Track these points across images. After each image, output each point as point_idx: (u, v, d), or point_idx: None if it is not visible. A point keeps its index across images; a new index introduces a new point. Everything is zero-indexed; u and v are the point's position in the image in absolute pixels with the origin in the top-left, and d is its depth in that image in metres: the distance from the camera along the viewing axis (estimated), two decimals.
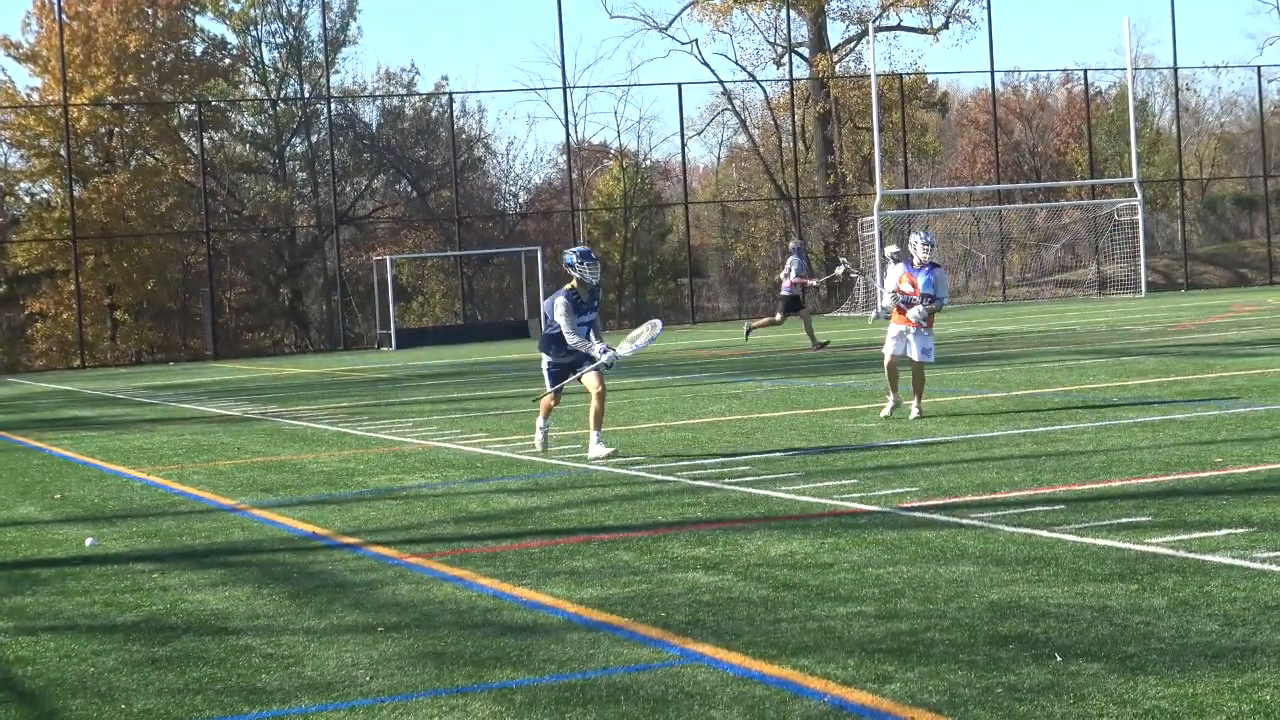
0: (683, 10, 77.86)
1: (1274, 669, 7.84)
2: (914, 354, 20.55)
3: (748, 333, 39.76)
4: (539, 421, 19.12)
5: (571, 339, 17.78)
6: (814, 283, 39.98)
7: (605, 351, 17.82)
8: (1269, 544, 10.83)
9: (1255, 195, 78.02)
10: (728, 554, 11.72)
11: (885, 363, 20.69)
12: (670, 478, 16.09)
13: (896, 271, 21.19)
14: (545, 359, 18.51)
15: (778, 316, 38.97)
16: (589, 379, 18.12)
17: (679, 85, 69.65)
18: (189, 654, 9.52)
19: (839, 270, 42.85)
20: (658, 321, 18.97)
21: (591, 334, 18.04)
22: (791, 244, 40.56)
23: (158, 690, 8.74)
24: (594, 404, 18.04)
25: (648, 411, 23.66)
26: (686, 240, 71.54)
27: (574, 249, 18.08)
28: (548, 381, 18.57)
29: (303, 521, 14.62)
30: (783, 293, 38.39)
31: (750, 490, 14.87)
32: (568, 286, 17.94)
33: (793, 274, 37.96)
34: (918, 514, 13.01)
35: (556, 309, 17.84)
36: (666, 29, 78.37)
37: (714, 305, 76.27)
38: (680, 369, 34.25)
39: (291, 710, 8.23)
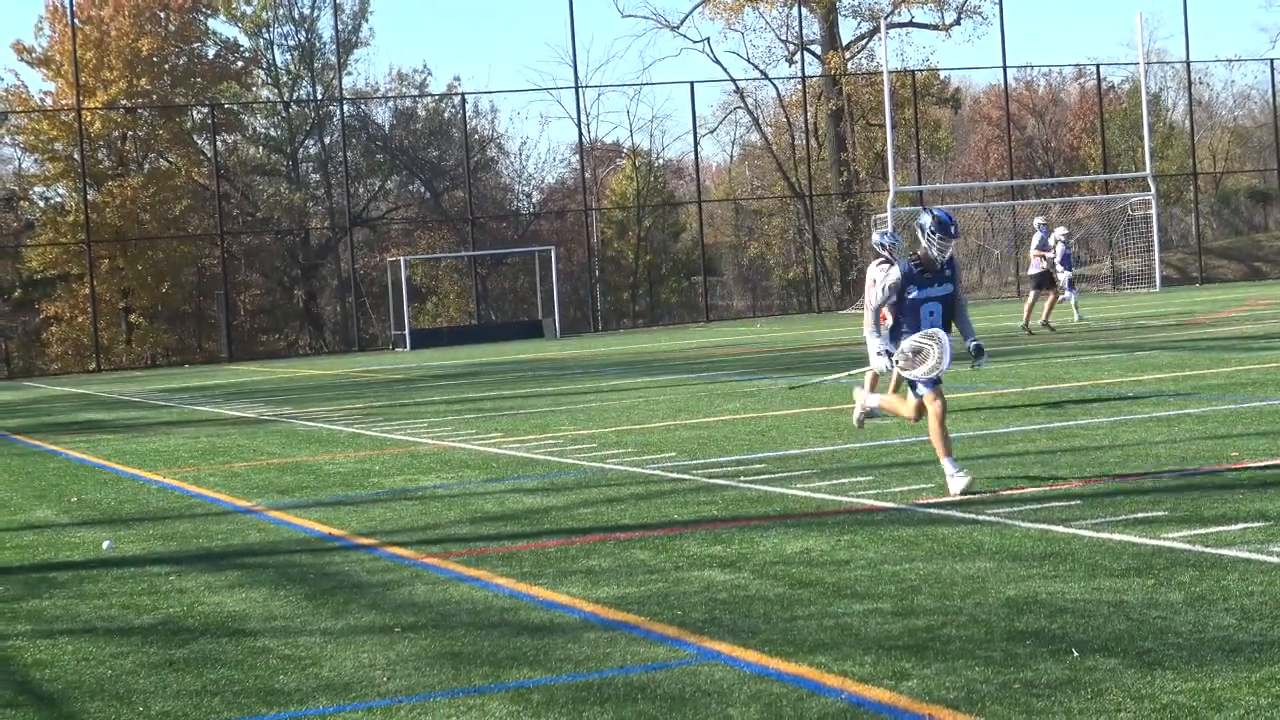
0: (694, 9, 77.88)
1: None
2: None
3: (1045, 325, 37.62)
4: (861, 395, 15.80)
5: (868, 320, 14.71)
6: (1052, 255, 39.91)
7: (881, 354, 14.43)
8: None
9: (1269, 189, 77.92)
10: (744, 552, 11.72)
11: (873, 375, 20.41)
12: (686, 476, 16.09)
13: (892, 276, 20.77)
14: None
15: (1031, 296, 38.52)
16: (921, 388, 14.25)
17: (691, 84, 69.70)
18: (206, 656, 9.54)
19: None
20: (939, 333, 14.31)
21: (932, 317, 14.33)
22: (1037, 220, 40.35)
23: (175, 692, 8.75)
24: (930, 422, 14.14)
25: (663, 410, 23.67)
26: (700, 238, 71.54)
27: (934, 210, 14.43)
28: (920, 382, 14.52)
29: (319, 523, 14.63)
30: (1031, 270, 38.21)
31: (766, 488, 14.87)
32: (912, 255, 14.62)
33: (1034, 249, 37.78)
34: (934, 510, 13.00)
35: (879, 282, 14.67)
36: (678, 28, 78.43)
37: (728, 303, 76.27)
38: (695, 367, 34.25)
39: (309, 711, 8.23)
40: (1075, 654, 8.25)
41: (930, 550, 11.28)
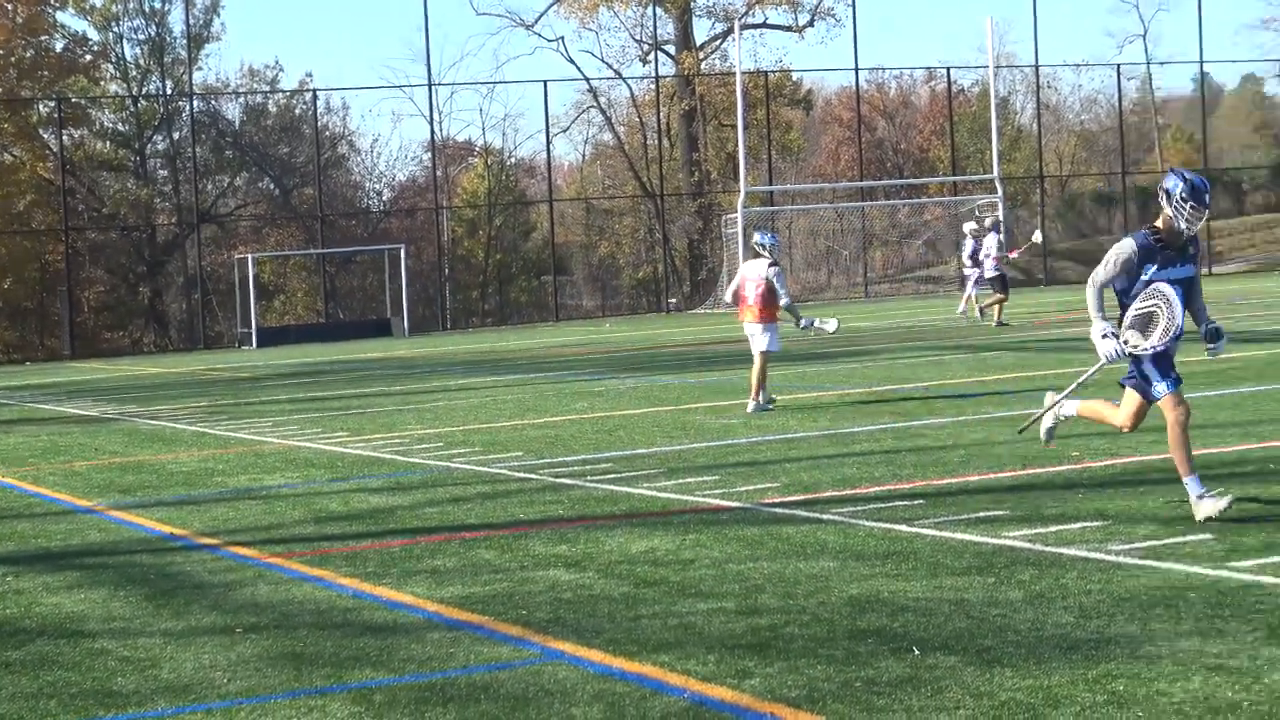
0: (549, 8, 77.79)
1: (1127, 660, 7.93)
2: (769, 346, 21.31)
3: (982, 313, 39.18)
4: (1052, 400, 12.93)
5: (1088, 296, 11.95)
6: (1014, 255, 40.12)
7: (1108, 336, 11.82)
8: (1123, 536, 10.96)
9: (1113, 192, 78.94)
10: (589, 551, 11.71)
11: (764, 364, 21.31)
12: (533, 476, 16.06)
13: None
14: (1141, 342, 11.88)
15: (999, 295, 38.76)
16: (1158, 389, 11.83)
17: (545, 83, 69.57)
18: (43, 658, 9.39)
19: (1035, 237, 43.15)
20: (1161, 287, 11.75)
21: (1175, 307, 11.68)
22: (988, 221, 40.67)
23: (10, 695, 8.61)
24: (1171, 432, 11.69)
25: (510, 409, 23.62)
26: (551, 238, 71.46)
27: (1184, 172, 11.92)
28: (1151, 373, 11.84)
29: (161, 522, 14.46)
30: (990, 273, 38.52)
31: (612, 487, 14.87)
32: (1149, 225, 12.01)
33: (994, 251, 38.08)
34: (779, 510, 13.06)
35: (1109, 254, 11.97)
36: (533, 26, 78.30)
37: (577, 303, 76.20)
38: (543, 367, 34.22)
39: (147, 714, 8.13)
40: (916, 652, 8.31)
41: (774, 549, 11.33)
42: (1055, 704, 7.31)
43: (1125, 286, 11.82)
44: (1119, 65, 78.55)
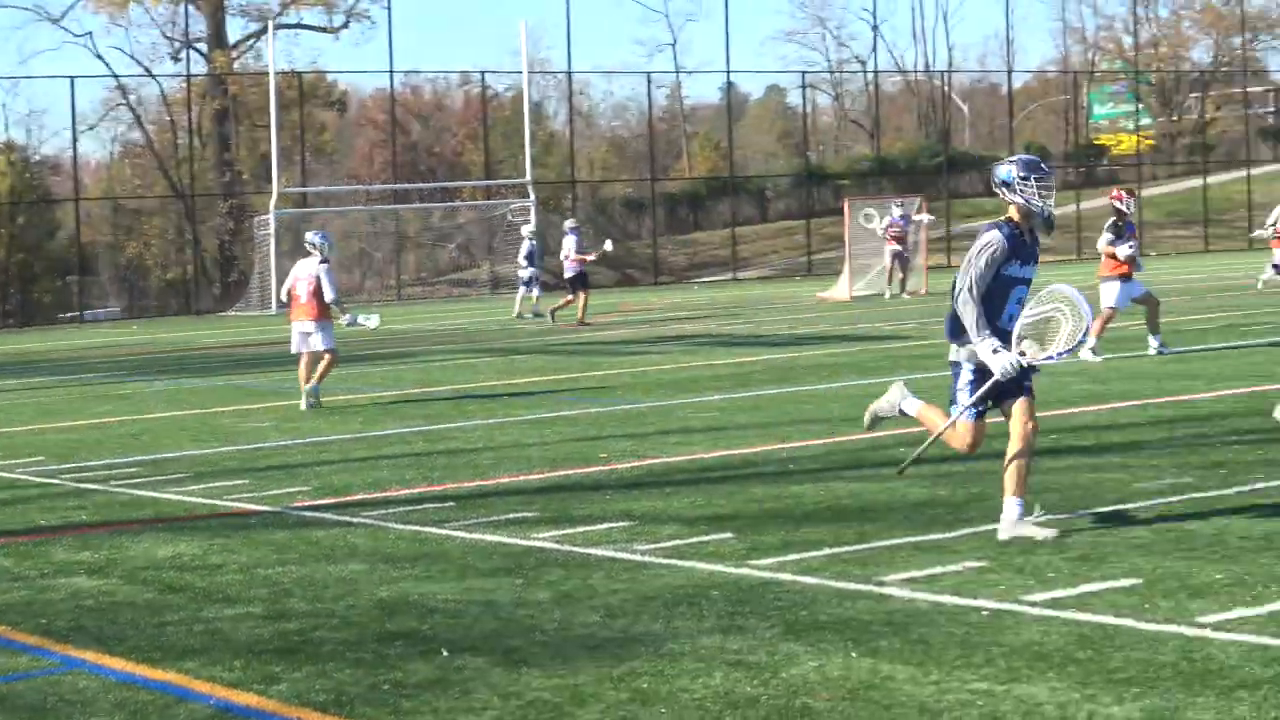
0: (77, 2, 75.88)
1: (651, 658, 8.08)
2: (327, 344, 21.50)
3: (552, 315, 39.97)
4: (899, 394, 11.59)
5: (966, 308, 10.58)
6: (592, 257, 40.60)
7: (999, 351, 10.52)
8: (649, 536, 11.17)
9: (643, 198, 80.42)
10: (113, 558, 11.45)
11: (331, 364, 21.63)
12: (54, 481, 15.62)
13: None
14: (962, 354, 10.93)
15: (569, 296, 39.88)
16: (1017, 406, 10.72)
17: (71, 79, 67.82)
18: None
19: (607, 246, 43.50)
20: (1062, 288, 10.94)
21: (1019, 305, 10.86)
22: (567, 224, 41.89)
23: None
24: (1014, 445, 10.64)
25: (30, 412, 22.95)
26: (77, 237, 69.70)
27: (1017, 158, 10.95)
28: (963, 393, 10.91)
29: None
30: (567, 274, 39.67)
31: (138, 492, 14.56)
32: (1004, 217, 10.85)
33: (572, 252, 39.30)
34: (308, 513, 12.97)
35: (975, 251, 10.72)
36: (60, 20, 76.19)
37: (103, 303, 74.44)
38: (67, 368, 33.34)
39: None
40: (445, 653, 8.34)
41: (304, 553, 11.25)
42: (581, 702, 7.41)
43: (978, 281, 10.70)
44: (649, 74, 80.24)
